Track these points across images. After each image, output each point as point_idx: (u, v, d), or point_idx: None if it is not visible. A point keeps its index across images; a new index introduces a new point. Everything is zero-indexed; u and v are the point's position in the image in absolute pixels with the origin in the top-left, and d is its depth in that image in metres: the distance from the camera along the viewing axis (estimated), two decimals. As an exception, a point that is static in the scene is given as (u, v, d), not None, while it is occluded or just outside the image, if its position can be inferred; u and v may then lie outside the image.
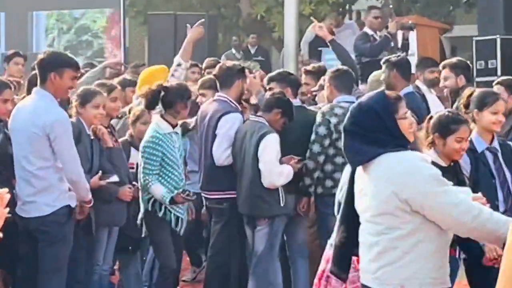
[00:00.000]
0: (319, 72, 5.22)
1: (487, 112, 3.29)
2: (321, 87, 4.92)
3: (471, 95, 3.48)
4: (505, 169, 3.37)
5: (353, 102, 4.45)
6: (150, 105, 4.32)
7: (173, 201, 4.15)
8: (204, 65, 7.12)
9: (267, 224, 4.37)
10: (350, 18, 12.59)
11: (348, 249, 2.12)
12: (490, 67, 8.84)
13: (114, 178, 4.09)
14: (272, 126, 4.37)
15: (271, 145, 4.28)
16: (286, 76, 4.96)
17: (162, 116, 4.28)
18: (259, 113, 4.51)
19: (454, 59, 5.97)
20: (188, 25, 6.05)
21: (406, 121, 1.99)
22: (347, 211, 2.13)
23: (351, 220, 2.05)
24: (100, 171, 4.02)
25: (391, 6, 9.61)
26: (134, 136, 4.69)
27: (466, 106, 3.45)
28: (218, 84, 4.79)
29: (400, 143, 1.91)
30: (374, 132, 1.90)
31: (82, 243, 3.89)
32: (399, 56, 5.67)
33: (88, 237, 3.99)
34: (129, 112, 4.79)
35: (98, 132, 4.11)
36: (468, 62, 6.03)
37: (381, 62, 5.26)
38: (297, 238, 4.70)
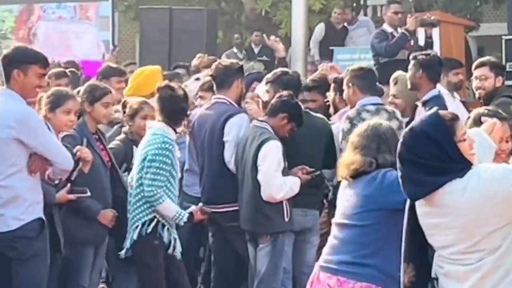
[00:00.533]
0: (321, 84, 4.98)
1: None
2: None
3: None
4: None
5: (381, 104, 4.53)
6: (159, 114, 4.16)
7: (190, 220, 4.00)
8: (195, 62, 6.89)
9: (269, 242, 4.11)
10: (365, 14, 12.08)
11: (420, 286, 2.04)
12: None
13: (85, 193, 3.81)
14: (278, 132, 4.14)
15: (271, 153, 4.04)
16: (279, 76, 4.61)
17: (166, 122, 4.04)
18: (263, 118, 4.30)
19: (491, 58, 5.56)
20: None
21: (466, 143, 1.87)
22: (412, 247, 2.01)
23: (417, 257, 1.97)
24: (69, 184, 3.73)
25: (410, 0, 9.11)
26: (133, 133, 4.46)
27: None
28: (215, 85, 4.60)
29: (463, 167, 1.80)
30: (434, 160, 1.81)
31: (51, 261, 3.63)
32: (428, 54, 5.17)
33: (57, 255, 3.73)
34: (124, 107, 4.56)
35: (84, 155, 3.71)
36: (499, 63, 5.72)
37: (410, 58, 4.97)
38: (304, 257, 4.38)
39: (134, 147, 4.36)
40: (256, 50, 11.58)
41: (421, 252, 2.00)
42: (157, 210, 3.89)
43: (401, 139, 1.93)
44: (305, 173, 4.17)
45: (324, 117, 4.67)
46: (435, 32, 7.87)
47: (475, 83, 5.03)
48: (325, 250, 2.91)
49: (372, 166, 2.75)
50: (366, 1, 12.67)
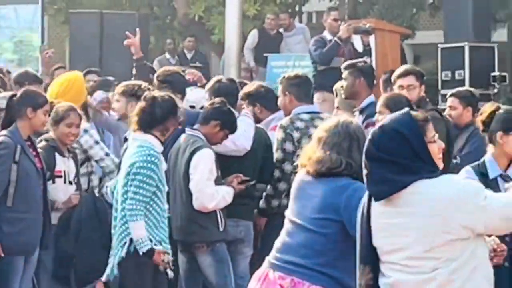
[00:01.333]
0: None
1: None
2: None
3: (494, 111, 3.23)
4: None
5: (317, 113, 4.61)
6: (144, 125, 3.93)
7: (148, 253, 3.71)
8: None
9: (207, 252, 4.14)
10: (300, 21, 12.35)
11: None
12: (458, 78, 8.67)
13: None
14: (210, 140, 4.16)
15: (203, 162, 4.06)
16: (213, 84, 4.70)
17: (150, 132, 3.92)
18: (196, 126, 4.28)
19: (415, 67, 5.83)
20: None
21: (435, 145, 1.90)
22: (369, 251, 1.99)
23: (374, 259, 1.95)
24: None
25: (346, 7, 9.36)
26: (56, 139, 4.40)
27: (487, 123, 3.22)
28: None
29: (432, 169, 1.82)
30: (403, 158, 1.82)
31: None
32: (365, 62, 5.49)
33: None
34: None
35: None
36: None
37: (343, 68, 5.09)
38: (237, 269, 4.39)
39: (56, 154, 4.31)
40: (189, 56, 11.59)
41: (375, 257, 1.98)
42: (129, 226, 3.79)
43: (369, 137, 1.92)
44: (239, 182, 4.17)
45: (263, 129, 4.67)
46: (372, 40, 8.11)
47: (399, 91, 4.88)
48: (277, 246, 2.82)
49: (346, 168, 2.66)
50: (301, 7, 12.94)
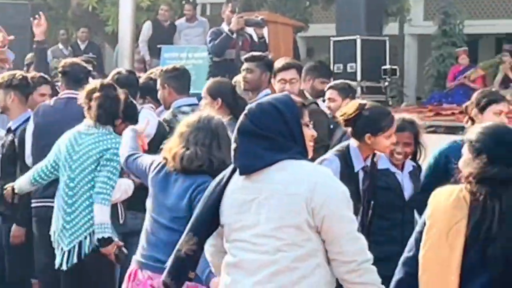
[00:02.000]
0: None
1: (382, 137, 3.12)
2: None
3: (359, 111, 3.16)
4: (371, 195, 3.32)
5: (197, 105, 4.59)
6: (106, 117, 3.74)
7: (105, 241, 3.49)
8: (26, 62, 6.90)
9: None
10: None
11: (193, 262, 2.05)
12: (349, 71, 8.89)
13: None
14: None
15: None
16: (113, 76, 4.56)
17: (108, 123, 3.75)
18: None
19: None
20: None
21: (309, 131, 1.94)
22: (203, 225, 2.00)
23: (205, 235, 1.97)
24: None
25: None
26: None
27: (352, 122, 3.15)
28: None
29: (301, 151, 1.86)
30: (276, 135, 1.83)
31: None
32: (266, 56, 5.42)
33: None
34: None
35: None
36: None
37: (245, 59, 5.10)
38: None
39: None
40: (82, 47, 11.40)
41: (208, 230, 1.97)
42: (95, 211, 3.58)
43: (245, 112, 1.92)
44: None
45: (163, 123, 4.55)
46: (265, 32, 8.23)
47: (281, 84, 4.92)
48: (142, 244, 2.78)
49: (208, 165, 2.61)
50: (195, -1, 13.01)
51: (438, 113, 8.35)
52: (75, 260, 3.57)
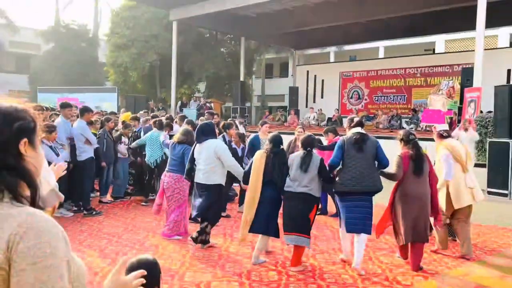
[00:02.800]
0: None
1: None
2: None
3: None
4: None
5: None
6: None
7: None
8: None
9: None
10: None
11: (193, 171, 6.49)
12: None
13: None
14: None
15: None
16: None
17: None
18: None
19: None
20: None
21: None
22: (192, 159, 6.51)
23: (193, 161, 5.37)
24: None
25: None
26: None
27: None
28: None
29: None
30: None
31: None
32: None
33: None
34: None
35: None
36: None
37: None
38: None
39: None
40: None
41: (193, 161, 6.07)
42: None
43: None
44: None
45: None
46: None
47: None
48: (168, 166, 6.89)
49: (188, 142, 6.95)
50: None
51: None
52: None
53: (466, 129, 10.84)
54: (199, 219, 6.40)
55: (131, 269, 2.42)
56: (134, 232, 7.13)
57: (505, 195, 11.16)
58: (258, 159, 5.70)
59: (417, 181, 5.57)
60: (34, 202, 1.30)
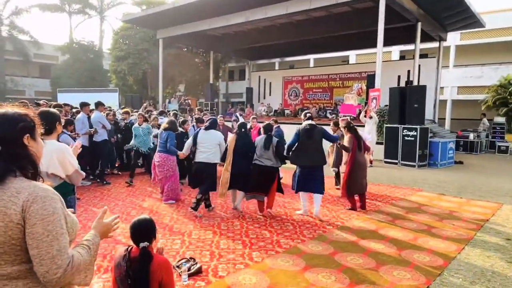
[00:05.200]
0: None
1: None
2: None
3: None
4: None
5: None
6: None
7: None
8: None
9: None
10: None
11: (193, 154, 6.01)
12: None
13: None
14: None
15: None
16: None
17: None
18: None
19: None
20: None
21: None
22: (194, 142, 6.02)
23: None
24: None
25: None
26: None
27: None
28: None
29: None
30: None
31: None
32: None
33: None
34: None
35: None
36: None
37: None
38: None
39: None
40: None
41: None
42: None
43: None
44: None
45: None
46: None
47: None
48: (158, 147, 6.56)
49: (172, 129, 6.62)
50: None
51: None
52: None
53: (370, 117, 11.34)
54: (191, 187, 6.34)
55: (134, 226, 2.45)
56: (135, 196, 7.04)
57: (395, 163, 11.64)
58: (231, 140, 5.81)
59: (360, 154, 6.15)
60: (35, 176, 1.40)
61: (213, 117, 6.74)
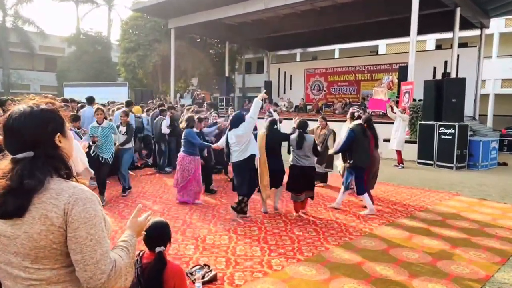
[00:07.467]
0: None
1: None
2: None
3: None
4: None
5: None
6: None
7: None
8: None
9: None
10: None
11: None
12: None
13: None
14: None
15: None
16: None
17: None
18: None
19: None
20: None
21: None
22: (227, 142, 6.00)
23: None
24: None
25: None
26: None
27: None
28: None
29: None
30: None
31: None
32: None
33: None
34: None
35: None
36: None
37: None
38: None
39: None
40: None
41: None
42: None
43: None
44: None
45: None
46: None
47: None
48: (182, 147, 6.68)
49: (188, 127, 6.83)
50: None
51: None
52: None
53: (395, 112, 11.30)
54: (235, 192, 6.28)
55: (149, 229, 2.48)
56: (145, 198, 7.14)
57: (430, 164, 11.44)
58: (261, 138, 5.99)
59: (376, 151, 6.56)
60: (69, 177, 1.39)
61: (238, 112, 6.35)
